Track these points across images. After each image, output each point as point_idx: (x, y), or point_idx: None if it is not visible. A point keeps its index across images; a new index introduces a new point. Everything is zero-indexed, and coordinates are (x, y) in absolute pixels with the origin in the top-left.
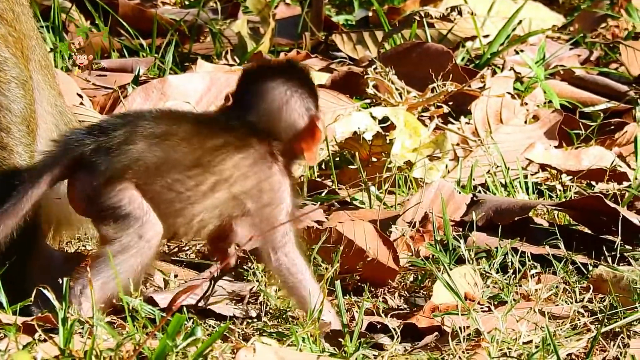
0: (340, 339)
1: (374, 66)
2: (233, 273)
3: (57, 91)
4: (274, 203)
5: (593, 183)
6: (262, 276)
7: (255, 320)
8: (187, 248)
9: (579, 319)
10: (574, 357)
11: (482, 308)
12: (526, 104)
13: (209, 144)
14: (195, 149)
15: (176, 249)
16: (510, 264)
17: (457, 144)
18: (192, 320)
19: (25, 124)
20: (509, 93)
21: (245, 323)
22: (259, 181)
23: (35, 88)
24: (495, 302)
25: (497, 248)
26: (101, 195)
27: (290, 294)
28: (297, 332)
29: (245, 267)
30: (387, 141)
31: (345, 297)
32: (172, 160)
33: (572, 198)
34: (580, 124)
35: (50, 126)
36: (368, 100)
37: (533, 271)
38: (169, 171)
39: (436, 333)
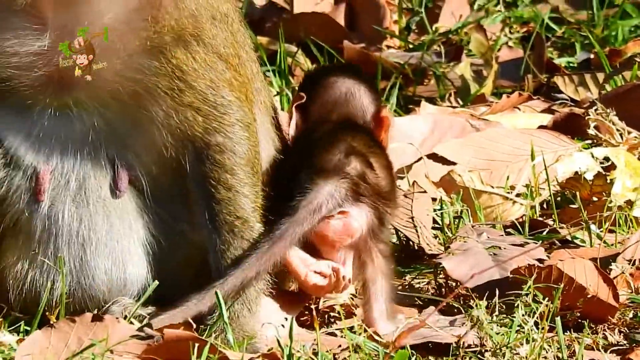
0: None
1: (595, 107)
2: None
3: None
4: None
5: None
6: (483, 313)
7: (474, 348)
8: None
9: None
10: None
11: None
12: None
13: None
14: None
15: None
16: None
17: None
18: (414, 356)
19: (250, 165)
20: None
21: (463, 353)
22: None
23: (259, 130)
24: None
25: None
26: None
27: None
28: None
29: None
30: (608, 181)
31: (565, 333)
32: None
33: None
34: None
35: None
36: (589, 141)
37: None
38: None
39: None
